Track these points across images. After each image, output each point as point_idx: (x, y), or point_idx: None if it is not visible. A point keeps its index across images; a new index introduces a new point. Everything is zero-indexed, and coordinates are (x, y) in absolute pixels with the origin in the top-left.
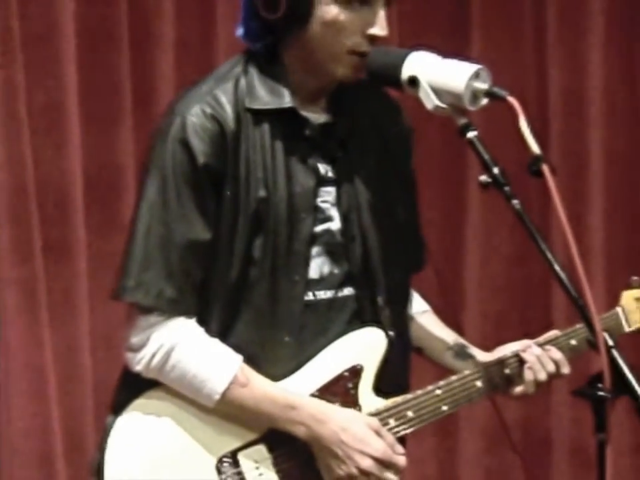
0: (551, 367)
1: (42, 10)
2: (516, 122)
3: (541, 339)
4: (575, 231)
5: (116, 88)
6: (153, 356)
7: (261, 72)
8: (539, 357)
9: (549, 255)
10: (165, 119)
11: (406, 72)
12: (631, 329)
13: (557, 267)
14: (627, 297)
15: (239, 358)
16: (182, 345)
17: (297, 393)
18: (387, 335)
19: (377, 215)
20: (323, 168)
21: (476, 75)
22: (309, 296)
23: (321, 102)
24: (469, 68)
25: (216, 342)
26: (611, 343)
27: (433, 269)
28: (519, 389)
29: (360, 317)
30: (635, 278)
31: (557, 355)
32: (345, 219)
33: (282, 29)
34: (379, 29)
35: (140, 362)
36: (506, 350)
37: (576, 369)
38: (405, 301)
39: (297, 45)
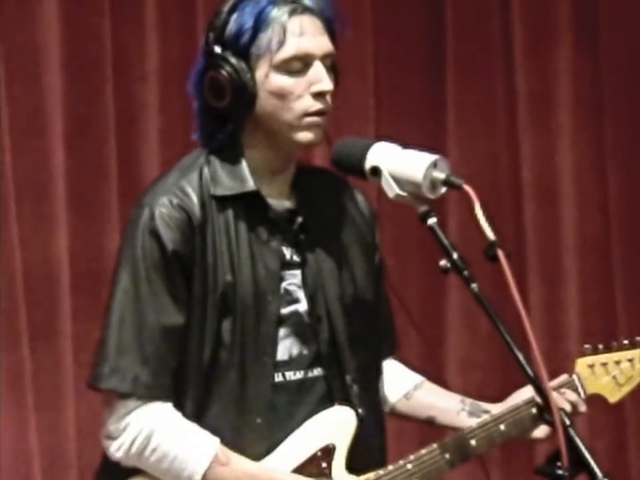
0: (567, 408)
1: (29, 94)
2: (471, 209)
3: (555, 383)
4: (550, 312)
5: (102, 174)
6: (133, 441)
7: (222, 159)
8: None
9: (507, 336)
10: (134, 210)
11: (369, 162)
12: (586, 396)
13: (514, 348)
14: (581, 364)
15: (216, 439)
16: (161, 428)
17: (276, 469)
18: (357, 413)
19: (343, 297)
20: (288, 251)
21: (434, 165)
22: (279, 377)
23: (284, 188)
24: (428, 158)
25: (193, 425)
26: (567, 422)
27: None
28: (537, 433)
29: (329, 397)
30: (587, 346)
31: (573, 396)
32: (311, 300)
33: (235, 113)
34: (323, 84)
35: (119, 449)
36: (519, 397)
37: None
38: (375, 380)
39: (254, 126)
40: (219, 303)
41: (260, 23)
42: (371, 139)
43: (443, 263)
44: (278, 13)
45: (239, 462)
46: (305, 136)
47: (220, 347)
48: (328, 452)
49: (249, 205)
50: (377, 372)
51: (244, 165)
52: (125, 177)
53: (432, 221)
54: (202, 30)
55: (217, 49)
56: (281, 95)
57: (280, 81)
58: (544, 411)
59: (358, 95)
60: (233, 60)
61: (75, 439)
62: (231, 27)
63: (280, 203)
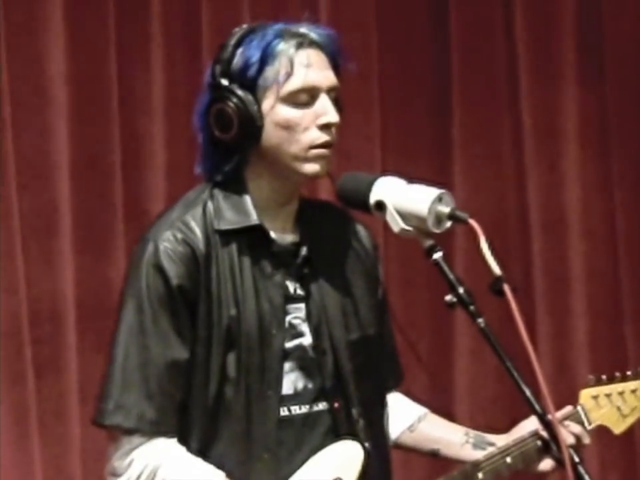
0: (571, 441)
1: (36, 131)
2: (477, 243)
3: (559, 414)
4: (560, 346)
5: (108, 209)
6: (139, 477)
7: (225, 194)
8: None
9: (514, 372)
10: (138, 246)
11: (373, 197)
12: (591, 427)
13: (521, 384)
14: (585, 395)
15: (222, 473)
16: (167, 463)
17: None
18: (364, 447)
19: (347, 330)
20: (292, 285)
21: (439, 199)
22: (284, 411)
23: (287, 222)
24: (432, 192)
25: (198, 459)
26: (577, 459)
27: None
28: (543, 466)
29: (335, 431)
30: (591, 377)
31: (577, 428)
32: (315, 333)
33: (240, 145)
34: (329, 116)
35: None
36: (523, 429)
37: None
38: (380, 414)
39: (259, 158)
40: (224, 337)
41: (267, 55)
42: (376, 174)
43: (448, 297)
44: (285, 46)
45: None
46: (310, 167)
47: (225, 382)
48: None
49: (252, 239)
50: (382, 406)
51: (247, 198)
52: (130, 212)
53: (437, 255)
54: (207, 66)
55: (224, 82)
56: (288, 127)
57: (287, 112)
58: (552, 447)
59: (364, 133)
60: (240, 92)
61: (80, 475)
62: (238, 60)
63: (283, 236)
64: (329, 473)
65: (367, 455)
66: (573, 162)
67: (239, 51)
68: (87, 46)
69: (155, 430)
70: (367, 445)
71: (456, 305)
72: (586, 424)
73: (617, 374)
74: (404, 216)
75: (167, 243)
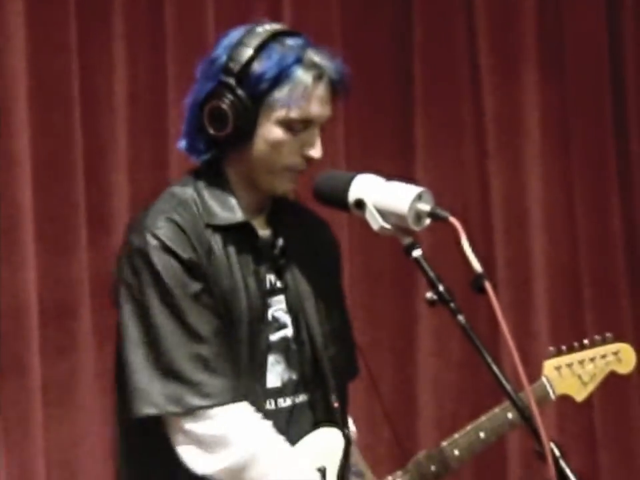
0: None
1: None
2: (458, 241)
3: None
4: (522, 337)
5: (70, 207)
6: (237, 462)
7: (210, 189)
8: None
9: (494, 368)
10: (135, 239)
11: (352, 195)
12: (555, 396)
13: (501, 379)
14: (548, 367)
15: (318, 474)
16: (264, 454)
17: None
18: (344, 434)
19: (321, 320)
20: (272, 278)
21: (419, 197)
22: (271, 405)
23: (262, 216)
24: (412, 190)
25: (295, 455)
26: (558, 453)
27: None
28: None
29: (315, 420)
30: (552, 348)
31: None
32: (295, 324)
33: (227, 145)
34: (316, 151)
35: (218, 463)
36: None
37: None
38: (347, 400)
39: (239, 160)
40: (221, 329)
41: (284, 77)
42: (352, 172)
43: (429, 295)
44: (303, 75)
45: None
46: (282, 185)
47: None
48: (320, 475)
49: (238, 235)
50: (348, 395)
51: (231, 196)
52: (93, 211)
53: (417, 253)
54: (171, 64)
55: (232, 81)
56: (275, 147)
57: (279, 134)
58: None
59: (328, 128)
60: (246, 100)
61: (44, 473)
62: (255, 68)
63: (263, 232)
64: (314, 462)
65: (348, 441)
66: (534, 154)
67: (258, 58)
68: (47, 41)
69: (231, 397)
70: (346, 431)
71: (436, 302)
72: (551, 394)
73: (576, 344)
74: (383, 214)
75: (164, 229)
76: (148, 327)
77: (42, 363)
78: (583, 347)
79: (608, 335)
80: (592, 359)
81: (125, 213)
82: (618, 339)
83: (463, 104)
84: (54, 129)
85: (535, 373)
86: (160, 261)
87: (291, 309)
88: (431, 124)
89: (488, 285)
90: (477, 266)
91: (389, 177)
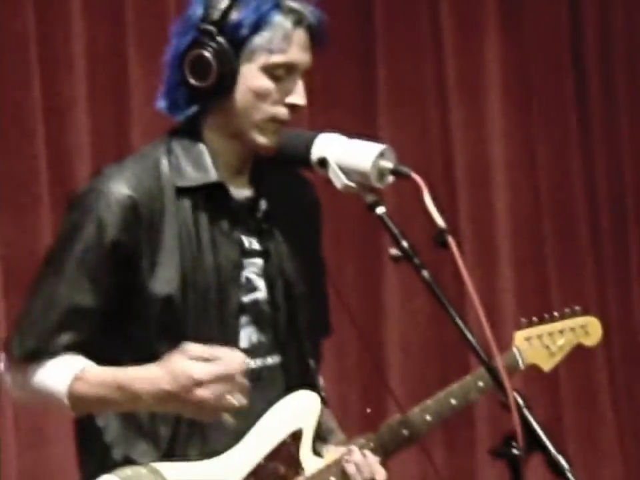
0: (368, 474)
1: None
2: (421, 198)
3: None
4: (487, 292)
5: (32, 173)
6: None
7: (184, 147)
8: (358, 464)
9: (459, 322)
10: (83, 190)
11: (315, 154)
12: (525, 365)
13: (466, 333)
14: (519, 337)
15: (85, 360)
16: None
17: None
18: (320, 396)
19: (299, 283)
20: (248, 240)
21: (381, 154)
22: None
23: (243, 176)
24: (375, 148)
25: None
26: (521, 402)
27: (355, 331)
28: None
29: (289, 382)
30: (523, 320)
31: (372, 459)
32: (271, 288)
33: (208, 96)
34: (300, 98)
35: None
36: (337, 453)
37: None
38: (320, 360)
39: (221, 113)
40: (180, 295)
41: (263, 22)
42: (315, 131)
43: (393, 251)
44: (282, 20)
45: (94, 372)
46: (264, 139)
47: (182, 339)
48: (296, 437)
49: (210, 195)
50: (321, 357)
51: (206, 153)
52: (55, 175)
53: (381, 210)
54: (130, 19)
55: (212, 29)
56: (259, 95)
57: (263, 82)
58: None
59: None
60: (227, 47)
61: (14, 439)
62: (233, 15)
63: (240, 192)
64: (289, 424)
65: (324, 403)
66: (495, 111)
67: (234, 6)
68: (3, 3)
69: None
70: (322, 394)
71: (401, 258)
72: (520, 364)
73: (546, 315)
74: (347, 172)
75: (110, 196)
76: (40, 268)
77: (7, 328)
78: (553, 319)
79: (577, 308)
80: (561, 332)
81: (86, 175)
82: (586, 311)
83: (425, 62)
84: (13, 93)
85: (499, 329)
86: (85, 225)
87: (267, 272)
88: (393, 81)
89: (451, 240)
90: (439, 221)
91: (352, 134)
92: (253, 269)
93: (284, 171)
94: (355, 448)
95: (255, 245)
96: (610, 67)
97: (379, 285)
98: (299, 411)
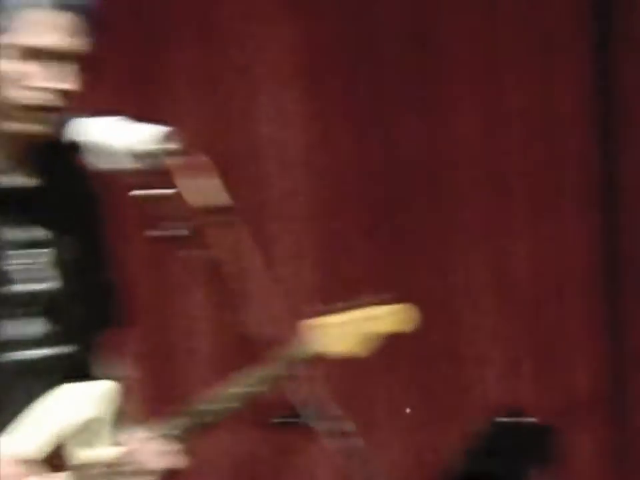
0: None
1: None
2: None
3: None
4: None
5: None
6: None
7: None
8: (134, 454)
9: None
10: None
11: (78, 137)
12: (312, 356)
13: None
14: (312, 326)
15: None
16: None
17: None
18: (108, 382)
19: (84, 273)
20: (33, 231)
21: (162, 136)
22: (16, 356)
23: (26, 166)
24: (153, 129)
25: None
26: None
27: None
28: None
29: (72, 373)
30: (315, 308)
31: (155, 447)
32: (58, 277)
33: None
34: (63, 83)
35: None
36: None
37: None
38: (105, 348)
39: None
40: None
41: (10, 6)
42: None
43: (155, 232)
44: (32, 2)
45: None
46: (34, 127)
47: None
48: (86, 427)
49: None
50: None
51: None
52: None
53: (140, 192)
54: None
55: None
56: (18, 82)
57: (18, 67)
58: None
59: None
60: None
61: None
62: None
63: (25, 180)
64: (79, 414)
65: (114, 388)
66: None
67: None
68: None
69: None
70: (109, 378)
71: (161, 238)
72: (312, 353)
73: (339, 304)
74: (107, 155)
75: None
76: None
77: None
78: (358, 306)
79: (384, 296)
80: (366, 319)
81: None
82: (394, 301)
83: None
84: None
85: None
86: None
87: (53, 262)
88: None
89: (235, 219)
90: (225, 199)
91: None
92: (38, 259)
93: (68, 160)
94: (134, 438)
95: (41, 235)
96: None
97: (166, 275)
98: (86, 399)
